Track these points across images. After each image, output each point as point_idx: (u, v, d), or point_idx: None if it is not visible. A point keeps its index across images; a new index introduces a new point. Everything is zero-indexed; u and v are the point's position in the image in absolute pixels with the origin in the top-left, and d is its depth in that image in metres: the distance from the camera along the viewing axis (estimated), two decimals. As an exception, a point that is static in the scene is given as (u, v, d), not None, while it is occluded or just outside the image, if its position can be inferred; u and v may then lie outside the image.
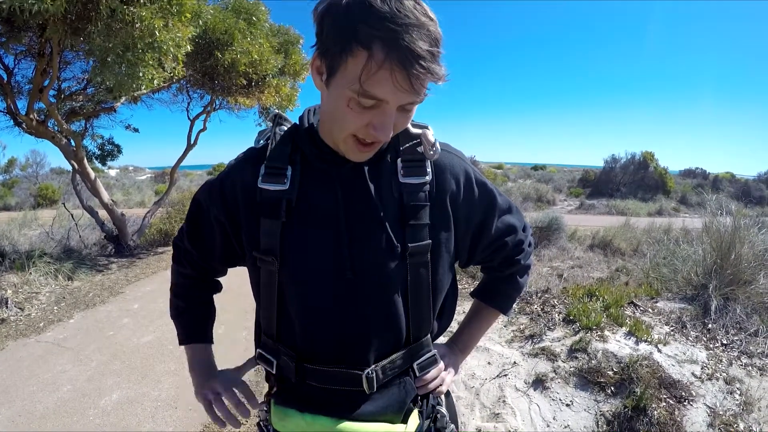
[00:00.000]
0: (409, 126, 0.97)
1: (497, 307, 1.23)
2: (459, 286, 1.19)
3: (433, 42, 0.76)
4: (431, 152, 0.96)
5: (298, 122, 1.02)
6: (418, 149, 0.97)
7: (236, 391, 1.16)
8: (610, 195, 21.83)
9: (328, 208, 0.94)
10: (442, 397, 1.14)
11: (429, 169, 0.96)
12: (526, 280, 1.23)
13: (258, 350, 1.12)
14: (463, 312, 1.30)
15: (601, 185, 23.95)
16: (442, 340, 1.19)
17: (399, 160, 0.97)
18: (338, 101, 0.82)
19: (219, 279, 1.28)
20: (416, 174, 0.95)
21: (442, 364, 1.10)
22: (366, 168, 0.95)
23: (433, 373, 1.07)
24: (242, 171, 1.01)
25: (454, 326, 1.29)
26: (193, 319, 1.24)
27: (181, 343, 1.24)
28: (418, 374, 1.05)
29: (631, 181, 23.43)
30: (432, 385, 1.08)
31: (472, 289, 1.29)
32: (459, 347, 1.23)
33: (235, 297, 3.91)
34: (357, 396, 0.99)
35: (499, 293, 1.23)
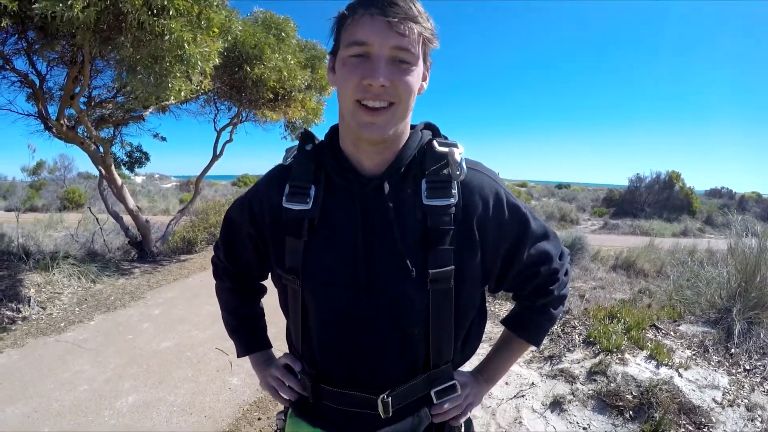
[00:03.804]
0: (436, 144, 0.96)
1: (527, 339, 1.17)
2: (489, 309, 1.17)
3: None
4: (457, 173, 0.93)
5: (324, 139, 1.02)
6: (445, 170, 0.94)
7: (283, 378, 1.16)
8: (635, 215, 21.43)
9: (347, 228, 0.94)
10: (462, 427, 1.11)
11: (455, 191, 0.93)
12: (561, 311, 1.16)
13: (285, 362, 1.15)
14: (489, 339, 1.27)
15: (626, 205, 23.53)
16: (468, 366, 1.15)
17: (423, 180, 0.94)
18: (340, 70, 0.88)
19: (262, 282, 1.30)
20: (441, 196, 0.92)
21: (461, 393, 1.06)
22: (388, 187, 0.93)
23: (450, 402, 1.04)
24: (268, 190, 1.03)
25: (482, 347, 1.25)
26: (247, 334, 1.28)
27: (239, 356, 1.29)
28: (435, 401, 1.03)
29: (656, 200, 23.00)
30: (448, 415, 1.05)
31: (502, 310, 1.26)
32: (484, 377, 1.18)
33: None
34: (370, 419, 0.99)
35: (530, 324, 1.16)
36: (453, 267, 0.92)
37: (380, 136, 0.88)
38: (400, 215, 0.93)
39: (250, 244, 1.10)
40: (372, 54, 0.84)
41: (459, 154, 0.94)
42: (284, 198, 0.98)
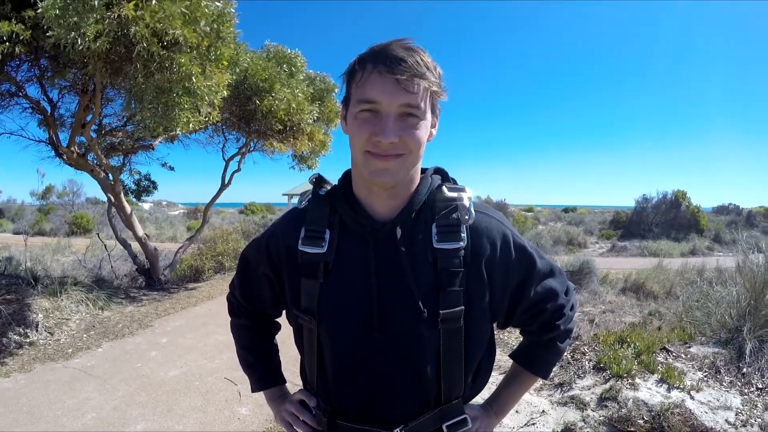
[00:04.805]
0: (445, 189, 1.00)
1: (536, 372, 1.20)
2: (498, 337, 1.19)
3: (414, 51, 0.89)
4: (466, 217, 0.97)
5: (337, 184, 1.07)
6: (454, 215, 0.98)
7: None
8: (642, 236, 21.25)
9: (361, 271, 0.97)
10: None
11: (464, 234, 0.98)
12: (568, 344, 1.20)
13: (300, 397, 1.17)
14: (499, 367, 1.27)
15: (633, 226, 23.36)
16: (479, 398, 1.18)
17: (434, 225, 0.98)
18: (352, 123, 0.94)
19: (277, 320, 1.33)
20: (451, 239, 0.97)
21: (472, 427, 1.08)
22: (400, 232, 0.97)
23: None
24: (285, 233, 1.07)
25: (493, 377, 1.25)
26: (262, 370, 1.31)
27: (253, 391, 1.32)
28: None
29: (663, 220, 22.85)
30: None
31: (511, 338, 1.26)
32: (494, 410, 1.20)
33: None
34: None
35: (538, 358, 1.19)
36: (463, 307, 0.96)
37: (392, 181, 0.93)
38: (412, 258, 0.97)
39: (266, 284, 1.14)
40: (381, 111, 0.89)
41: (467, 198, 1.00)
42: (300, 241, 1.02)
